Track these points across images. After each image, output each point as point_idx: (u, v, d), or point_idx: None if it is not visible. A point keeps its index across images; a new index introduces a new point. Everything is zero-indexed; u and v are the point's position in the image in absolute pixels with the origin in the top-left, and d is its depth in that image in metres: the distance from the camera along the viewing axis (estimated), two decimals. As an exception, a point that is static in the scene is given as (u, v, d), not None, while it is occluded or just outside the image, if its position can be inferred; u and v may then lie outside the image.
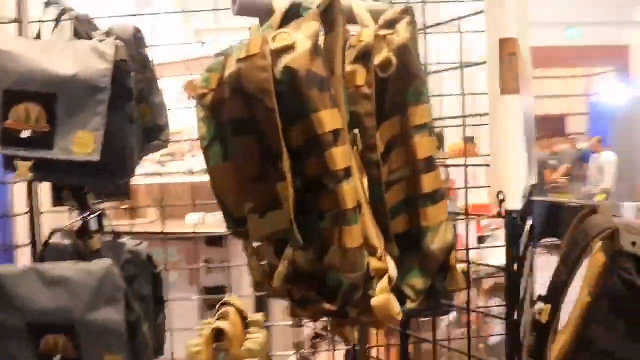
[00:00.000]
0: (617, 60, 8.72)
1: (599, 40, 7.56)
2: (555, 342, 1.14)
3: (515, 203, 1.00)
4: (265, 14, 1.00)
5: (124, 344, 1.22)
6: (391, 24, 0.96)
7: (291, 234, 0.88)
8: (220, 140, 1.02)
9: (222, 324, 1.26)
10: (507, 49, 0.94)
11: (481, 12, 1.04)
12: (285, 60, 0.83)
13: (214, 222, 3.51)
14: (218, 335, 1.27)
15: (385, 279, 0.89)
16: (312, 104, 0.83)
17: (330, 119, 0.84)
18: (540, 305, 1.16)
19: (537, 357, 1.12)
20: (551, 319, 1.13)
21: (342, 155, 0.85)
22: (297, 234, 0.86)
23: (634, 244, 1.08)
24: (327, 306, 0.88)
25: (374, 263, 0.89)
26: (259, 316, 1.47)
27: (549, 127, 8.50)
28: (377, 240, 0.91)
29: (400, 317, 0.89)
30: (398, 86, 0.95)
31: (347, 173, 0.86)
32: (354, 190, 0.87)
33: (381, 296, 0.88)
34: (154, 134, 1.43)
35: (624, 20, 7.66)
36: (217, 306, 1.42)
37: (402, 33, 0.94)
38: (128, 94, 1.24)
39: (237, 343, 1.27)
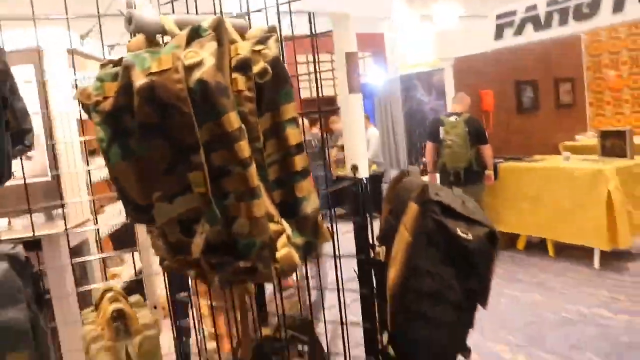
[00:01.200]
0: (375, 46, 9.91)
1: (359, 28, 8.46)
2: (390, 267, 1.52)
3: (363, 172, 1.33)
4: (155, 32, 1.18)
5: (29, 341, 1.29)
6: (262, 41, 1.21)
7: (206, 212, 1.10)
8: (118, 142, 1.17)
9: (120, 305, 1.40)
10: (352, 60, 1.26)
11: (330, 31, 1.34)
12: (197, 74, 1.04)
13: (23, 226, 3.35)
14: (115, 316, 1.41)
15: (284, 236, 1.15)
16: (222, 108, 1.05)
17: (235, 119, 1.07)
18: (377, 248, 1.53)
19: (379, 287, 1.49)
20: (387, 257, 1.50)
21: (246, 147, 1.09)
22: (216, 210, 1.08)
23: (437, 194, 1.50)
24: (242, 264, 1.12)
25: (273, 226, 1.15)
26: (138, 297, 1.62)
27: (326, 107, 9.34)
28: (272, 208, 1.16)
29: (299, 264, 1.17)
30: (272, 90, 1.21)
31: (250, 160, 1.10)
32: (255, 172, 1.11)
33: (283, 250, 1.14)
34: (18, 139, 1.47)
35: (377, 11, 8.71)
36: (101, 293, 1.54)
37: (273, 48, 1.20)
38: (2, 101, 1.30)
39: (134, 320, 1.43)
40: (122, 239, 4.21)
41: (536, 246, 6.30)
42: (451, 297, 1.47)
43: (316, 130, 8.08)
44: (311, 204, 1.27)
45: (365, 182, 1.34)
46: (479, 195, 5.87)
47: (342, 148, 8.53)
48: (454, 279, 1.46)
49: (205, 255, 1.14)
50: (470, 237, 1.44)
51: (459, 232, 1.43)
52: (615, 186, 5.24)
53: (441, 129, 5.88)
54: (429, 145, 6.16)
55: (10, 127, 1.43)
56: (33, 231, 1.84)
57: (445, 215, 1.46)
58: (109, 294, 1.49)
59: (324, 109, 1.38)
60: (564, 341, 4.01)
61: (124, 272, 4.08)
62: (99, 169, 3.80)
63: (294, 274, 3.15)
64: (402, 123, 8.57)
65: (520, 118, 7.52)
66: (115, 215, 4.33)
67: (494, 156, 6.42)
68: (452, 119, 5.87)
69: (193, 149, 1.06)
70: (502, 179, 6.19)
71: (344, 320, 1.63)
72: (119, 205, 4.45)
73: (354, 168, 1.32)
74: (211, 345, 2.26)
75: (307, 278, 1.83)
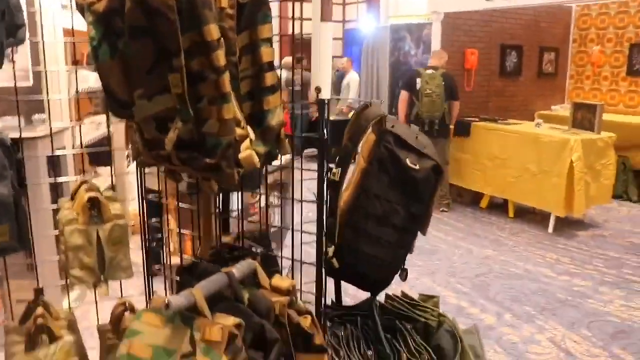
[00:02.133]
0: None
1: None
2: (343, 193, 1.68)
3: (326, 94, 1.47)
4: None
5: (12, 215, 1.43)
6: (246, -37, 1.32)
7: (180, 110, 1.23)
8: (108, 41, 1.29)
9: (95, 194, 1.54)
10: (327, -10, 1.38)
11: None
12: None
13: (3, 128, 3.44)
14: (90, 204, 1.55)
15: (247, 140, 1.29)
16: (204, 19, 1.17)
17: (215, 31, 1.19)
18: (333, 169, 1.69)
19: (332, 204, 1.65)
20: (341, 178, 1.66)
21: (222, 56, 1.21)
22: (189, 109, 1.21)
23: (393, 126, 1.65)
24: (208, 160, 1.26)
25: (239, 131, 1.29)
26: (111, 192, 1.76)
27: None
28: (240, 115, 1.30)
29: (258, 166, 1.31)
30: (251, 10, 1.33)
31: (225, 68, 1.23)
32: (228, 79, 1.24)
33: (245, 152, 1.28)
34: (11, 32, 1.57)
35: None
36: (76, 185, 1.67)
37: (255, -29, 1.31)
38: (-2, -7, 1.39)
39: (107, 209, 1.57)
40: (98, 154, 4.30)
41: (498, 207, 6.56)
42: (395, 220, 1.64)
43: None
44: (276, 117, 1.41)
45: (326, 102, 1.47)
46: (446, 148, 6.07)
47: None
48: (400, 204, 1.63)
49: (177, 151, 1.28)
50: (417, 167, 1.60)
51: (408, 162, 1.60)
52: (578, 157, 5.46)
53: (418, 80, 5.99)
54: (405, 94, 6.20)
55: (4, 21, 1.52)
56: (20, 130, 1.93)
57: (398, 146, 1.62)
58: (85, 185, 1.63)
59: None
60: (506, 293, 4.29)
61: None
62: (81, 79, 3.86)
63: (259, 202, 3.32)
64: (387, 73, 8.64)
65: (501, 81, 7.66)
66: (92, 128, 4.42)
67: (470, 115, 6.59)
68: (429, 71, 6.00)
69: (175, 53, 1.19)
70: (474, 138, 6.37)
71: (297, 229, 1.78)
72: (98, 119, 4.53)
73: (317, 89, 1.46)
74: (175, 260, 2.43)
75: (266, 199, 1.99)
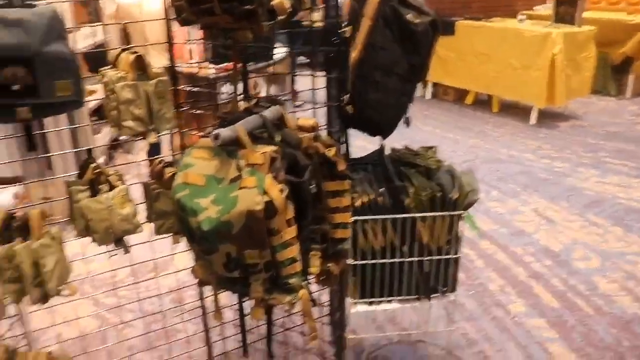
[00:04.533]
0: None
1: None
2: (353, 50, 1.92)
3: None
4: None
5: (73, 71, 1.64)
6: None
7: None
8: None
9: (140, 54, 1.77)
10: None
11: None
12: None
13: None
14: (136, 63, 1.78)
15: (280, -9, 1.52)
16: None
17: None
18: (344, 27, 1.92)
19: (344, 59, 1.89)
20: (352, 34, 1.89)
21: None
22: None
23: (395, -13, 1.88)
24: (248, 7, 1.49)
25: (271, -17, 1.51)
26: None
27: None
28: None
29: (289, 10, 1.55)
30: None
31: None
32: None
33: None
34: None
35: None
36: (117, 53, 1.88)
37: None
38: None
39: (151, 68, 1.80)
40: (95, 61, 4.47)
41: (483, 103, 6.85)
42: (398, 70, 1.90)
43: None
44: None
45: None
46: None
47: None
48: (402, 56, 1.88)
49: (219, 2, 1.50)
50: (417, 22, 1.84)
51: (409, 17, 1.83)
52: (559, 50, 5.70)
53: None
54: None
55: None
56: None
57: (399, 4, 1.85)
58: (127, 51, 1.84)
59: None
60: (493, 174, 4.64)
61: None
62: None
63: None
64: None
65: (485, -19, 7.76)
66: (88, 35, 4.55)
67: (455, 15, 6.73)
68: None
69: None
70: (459, 36, 6.55)
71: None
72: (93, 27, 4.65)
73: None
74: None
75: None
